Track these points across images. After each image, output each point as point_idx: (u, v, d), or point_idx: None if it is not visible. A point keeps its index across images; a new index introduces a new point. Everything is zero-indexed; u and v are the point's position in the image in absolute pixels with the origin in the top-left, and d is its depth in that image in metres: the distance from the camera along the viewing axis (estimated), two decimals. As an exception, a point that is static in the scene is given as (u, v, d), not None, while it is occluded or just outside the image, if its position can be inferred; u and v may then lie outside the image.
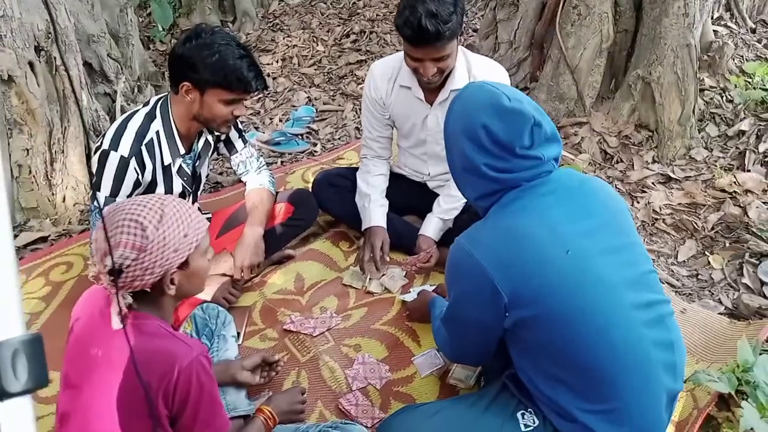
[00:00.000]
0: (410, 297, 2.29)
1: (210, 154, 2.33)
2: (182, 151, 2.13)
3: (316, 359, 2.12)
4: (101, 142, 2.03)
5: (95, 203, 2.07)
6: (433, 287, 2.27)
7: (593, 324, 1.35)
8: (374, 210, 2.42)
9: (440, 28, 1.96)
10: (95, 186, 2.06)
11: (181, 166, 2.17)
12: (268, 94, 4.06)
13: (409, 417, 1.66)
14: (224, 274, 2.28)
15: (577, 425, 1.38)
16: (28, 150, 2.75)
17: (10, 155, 2.74)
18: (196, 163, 2.24)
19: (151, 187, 2.11)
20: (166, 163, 2.11)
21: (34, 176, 2.78)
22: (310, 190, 2.64)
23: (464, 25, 2.09)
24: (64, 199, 2.84)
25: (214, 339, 2.01)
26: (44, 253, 2.67)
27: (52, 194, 2.81)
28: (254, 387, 1.94)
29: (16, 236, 2.77)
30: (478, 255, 1.39)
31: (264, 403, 1.78)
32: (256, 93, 2.07)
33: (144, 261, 1.27)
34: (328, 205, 2.60)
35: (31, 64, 2.66)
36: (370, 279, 2.39)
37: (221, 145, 2.36)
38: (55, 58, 2.72)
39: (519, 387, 1.52)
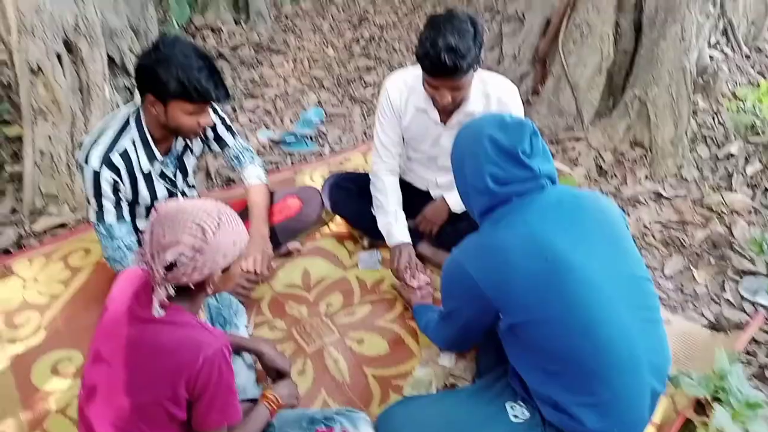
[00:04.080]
0: (365, 259, 2.71)
1: (200, 152, 2.41)
2: (160, 157, 2.20)
3: (321, 350, 2.25)
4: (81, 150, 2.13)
5: (94, 219, 2.17)
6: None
7: (578, 323, 1.48)
8: (401, 227, 2.48)
9: (458, 63, 2.01)
10: (86, 199, 2.17)
11: (162, 170, 2.25)
12: (280, 94, 4.17)
13: (410, 406, 1.82)
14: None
15: (564, 416, 1.53)
16: (51, 138, 2.86)
17: (33, 142, 2.85)
18: (177, 164, 2.32)
19: (134, 194, 2.20)
20: (146, 171, 2.19)
21: (55, 163, 2.89)
22: (319, 189, 2.77)
23: (482, 56, 2.12)
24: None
25: (227, 327, 2.14)
26: (64, 238, 2.79)
27: (72, 182, 2.92)
28: (260, 373, 2.07)
29: (35, 221, 2.88)
30: (468, 266, 1.59)
31: (268, 389, 1.91)
32: (218, 102, 2.10)
33: (197, 261, 1.40)
34: (338, 206, 2.71)
35: (58, 56, 2.77)
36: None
37: (212, 143, 2.43)
38: (81, 50, 2.84)
39: (517, 378, 1.67)
